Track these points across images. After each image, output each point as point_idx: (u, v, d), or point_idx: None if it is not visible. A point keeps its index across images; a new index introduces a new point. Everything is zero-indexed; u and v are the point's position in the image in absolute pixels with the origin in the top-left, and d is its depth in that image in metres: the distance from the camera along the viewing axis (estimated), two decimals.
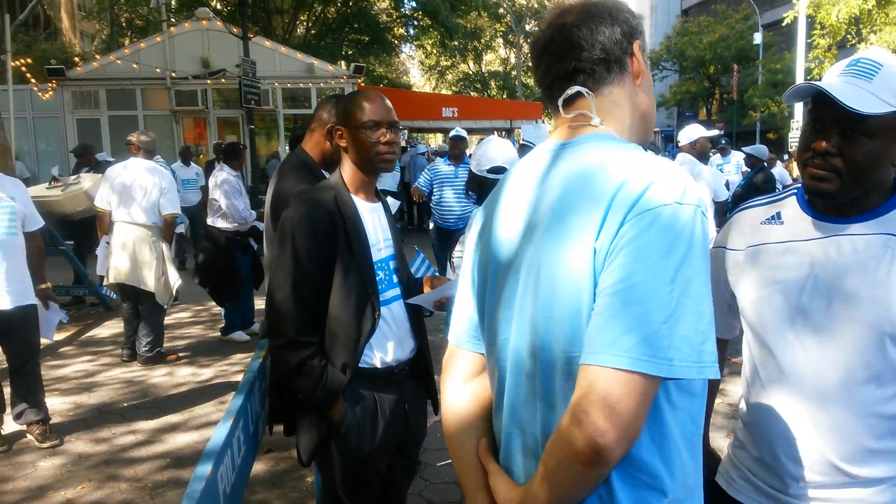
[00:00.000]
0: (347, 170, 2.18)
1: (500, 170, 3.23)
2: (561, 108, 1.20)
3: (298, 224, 2.03)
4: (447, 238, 6.35)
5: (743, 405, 1.52)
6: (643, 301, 0.95)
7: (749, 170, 8.65)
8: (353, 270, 2.04)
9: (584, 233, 1.03)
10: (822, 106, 1.32)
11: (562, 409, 1.06)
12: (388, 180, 5.28)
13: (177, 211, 5.71)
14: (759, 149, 8.71)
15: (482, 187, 3.35)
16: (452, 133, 7.21)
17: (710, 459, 1.61)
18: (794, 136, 16.64)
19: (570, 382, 1.03)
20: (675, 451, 1.07)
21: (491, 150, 3.38)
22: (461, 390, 1.31)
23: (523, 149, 4.83)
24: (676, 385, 1.05)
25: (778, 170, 10.07)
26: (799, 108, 17.05)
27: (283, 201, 2.57)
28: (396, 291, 2.19)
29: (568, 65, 1.16)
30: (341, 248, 2.03)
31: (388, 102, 2.18)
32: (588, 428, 0.95)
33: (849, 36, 15.84)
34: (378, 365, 2.11)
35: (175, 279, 5.64)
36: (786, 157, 15.53)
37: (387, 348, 2.13)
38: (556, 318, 1.06)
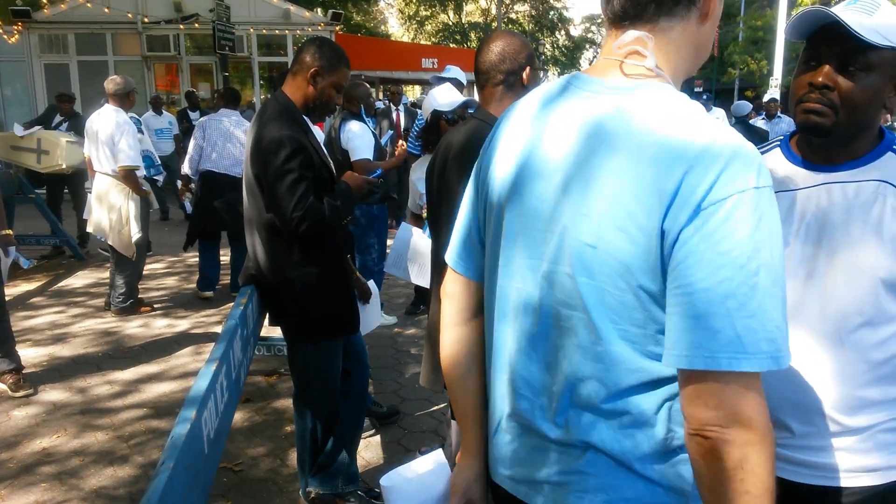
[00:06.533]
0: None
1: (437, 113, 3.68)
2: (612, 32, 1.07)
3: None
4: None
5: None
6: (722, 301, 0.90)
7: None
8: None
9: (645, 208, 0.95)
10: (821, 42, 1.33)
11: (554, 358, 1.08)
12: (367, 146, 4.49)
13: (128, 163, 5.34)
14: (739, 106, 8.77)
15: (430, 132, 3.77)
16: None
17: None
18: (773, 94, 16.62)
19: (564, 337, 1.05)
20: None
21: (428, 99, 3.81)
22: (463, 328, 1.29)
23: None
24: None
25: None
26: (778, 67, 17.02)
27: (266, 147, 2.50)
28: None
29: None
30: None
31: None
32: (739, 436, 0.91)
33: None
34: None
35: (135, 233, 5.48)
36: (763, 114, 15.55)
37: None
38: (568, 270, 1.03)
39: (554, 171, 1.07)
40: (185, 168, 6.04)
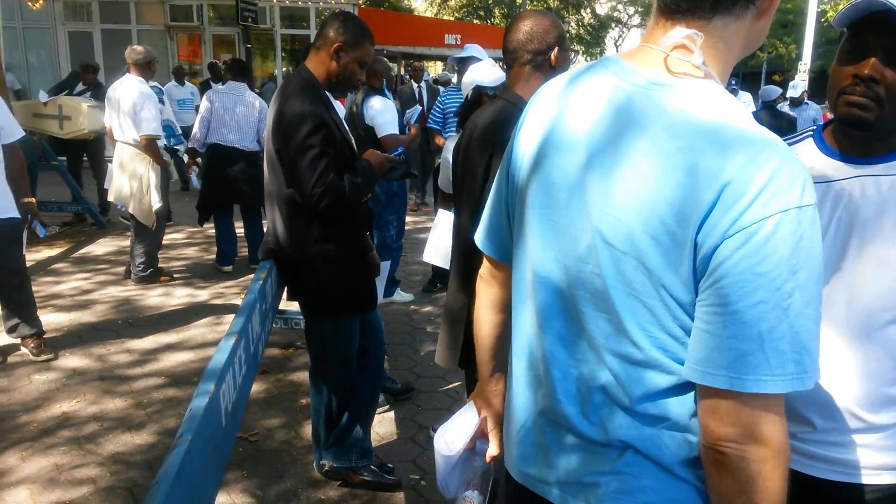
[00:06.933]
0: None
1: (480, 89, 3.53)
2: (659, 23, 1.02)
3: None
4: None
5: None
6: (759, 322, 0.88)
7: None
8: None
9: (679, 218, 0.92)
10: (869, 31, 1.26)
11: (584, 357, 1.06)
12: (392, 121, 4.57)
13: (150, 133, 5.37)
14: (767, 90, 8.60)
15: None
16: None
17: None
18: (804, 79, 16.34)
19: (595, 337, 1.04)
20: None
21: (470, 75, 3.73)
22: (499, 316, 1.36)
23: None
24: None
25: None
26: (808, 51, 16.71)
27: (288, 122, 2.49)
28: None
29: None
30: None
31: None
32: (755, 452, 0.92)
33: None
34: None
35: (156, 202, 5.52)
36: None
37: None
38: (597, 271, 1.01)
39: (576, 145, 1.04)
40: (193, 139, 6.04)
